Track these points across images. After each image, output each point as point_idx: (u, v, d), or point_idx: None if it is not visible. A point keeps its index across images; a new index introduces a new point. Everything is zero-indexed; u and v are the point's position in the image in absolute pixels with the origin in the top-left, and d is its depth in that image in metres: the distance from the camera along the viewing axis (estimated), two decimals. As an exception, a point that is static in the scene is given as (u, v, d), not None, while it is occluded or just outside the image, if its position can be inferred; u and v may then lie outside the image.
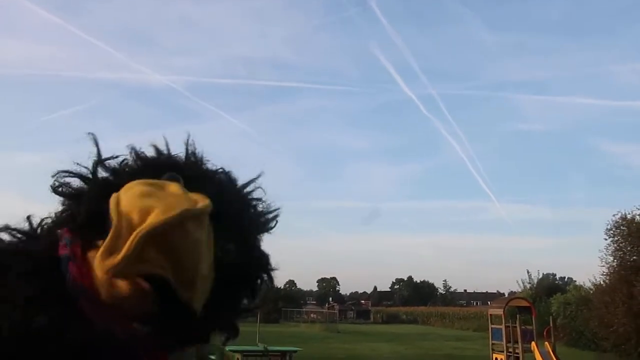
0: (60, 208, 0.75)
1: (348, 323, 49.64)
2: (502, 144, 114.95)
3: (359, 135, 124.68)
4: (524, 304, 16.29)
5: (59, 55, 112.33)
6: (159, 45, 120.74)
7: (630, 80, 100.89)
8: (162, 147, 0.80)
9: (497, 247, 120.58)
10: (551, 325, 14.72)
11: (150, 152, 0.80)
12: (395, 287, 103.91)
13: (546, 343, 14.21)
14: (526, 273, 33.05)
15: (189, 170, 0.77)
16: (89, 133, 0.78)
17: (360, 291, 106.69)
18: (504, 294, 53.09)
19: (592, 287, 24.12)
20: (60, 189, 0.76)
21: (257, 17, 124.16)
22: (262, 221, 0.81)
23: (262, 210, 0.81)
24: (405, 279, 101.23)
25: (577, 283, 30.46)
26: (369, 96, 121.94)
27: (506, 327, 14.72)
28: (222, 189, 0.77)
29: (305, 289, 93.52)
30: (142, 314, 0.65)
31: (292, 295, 56.60)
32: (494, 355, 15.39)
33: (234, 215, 0.73)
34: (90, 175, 0.76)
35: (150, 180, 0.69)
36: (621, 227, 21.28)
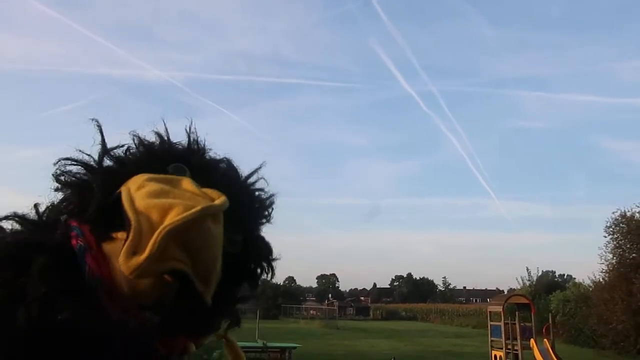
0: (58, 197, 0.74)
1: (347, 319, 49.84)
2: (502, 141, 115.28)
3: (358, 131, 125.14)
4: (523, 301, 16.28)
5: (58, 50, 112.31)
6: (158, 40, 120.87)
7: (630, 78, 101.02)
8: (164, 135, 0.80)
9: (497, 244, 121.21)
10: (550, 322, 14.76)
11: (153, 140, 0.79)
12: (395, 283, 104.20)
13: (545, 340, 14.25)
14: (525, 270, 33.16)
15: (194, 159, 0.77)
16: (92, 119, 0.77)
17: (360, 288, 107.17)
18: (503, 291, 53.19)
19: (591, 284, 24.27)
20: (62, 178, 0.74)
21: (257, 12, 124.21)
22: (265, 211, 0.82)
23: (264, 200, 0.82)
24: (405, 275, 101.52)
25: (576, 280, 30.53)
26: (369, 92, 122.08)
27: (505, 324, 14.75)
28: (228, 180, 0.77)
29: (304, 286, 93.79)
30: (155, 304, 0.65)
31: (291, 292, 56.58)
32: (493, 352, 15.43)
33: (240, 206, 0.73)
34: (95, 165, 0.75)
35: (162, 176, 0.69)
36: (621, 225, 21.36)
